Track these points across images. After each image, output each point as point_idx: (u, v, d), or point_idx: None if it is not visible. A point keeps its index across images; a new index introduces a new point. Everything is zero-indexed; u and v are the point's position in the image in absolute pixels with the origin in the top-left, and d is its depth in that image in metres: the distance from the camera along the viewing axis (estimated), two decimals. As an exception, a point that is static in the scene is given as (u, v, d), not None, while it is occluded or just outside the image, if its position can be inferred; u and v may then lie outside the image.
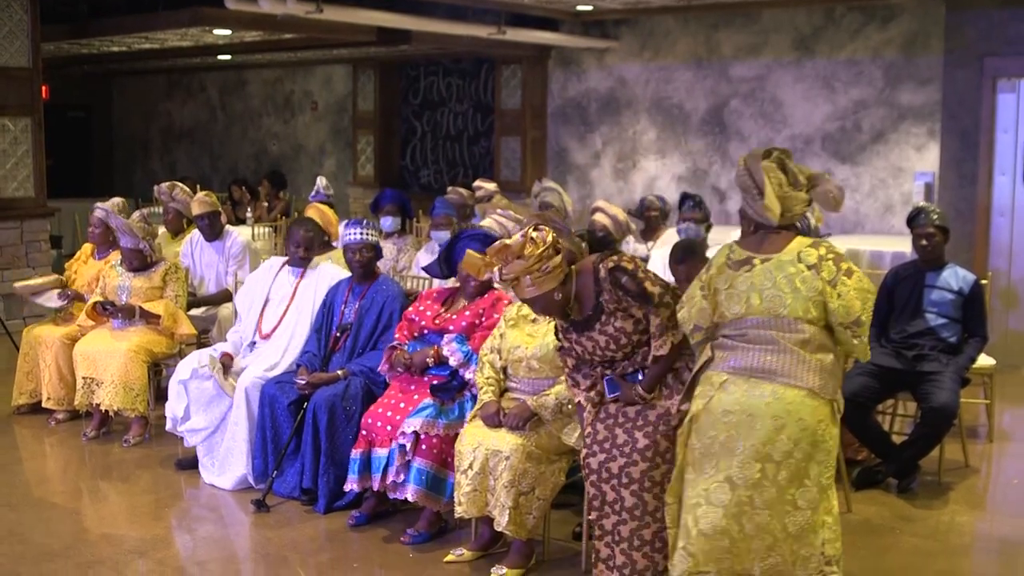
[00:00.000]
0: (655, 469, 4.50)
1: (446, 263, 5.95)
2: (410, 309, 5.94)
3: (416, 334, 5.82)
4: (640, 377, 4.65)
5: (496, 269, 4.59)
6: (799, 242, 4.31)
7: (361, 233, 6.18)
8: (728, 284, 4.27)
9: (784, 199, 4.28)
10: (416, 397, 5.58)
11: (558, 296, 4.58)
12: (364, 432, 5.59)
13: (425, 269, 6.17)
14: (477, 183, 10.16)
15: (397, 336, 5.86)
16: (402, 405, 5.57)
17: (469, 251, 4.80)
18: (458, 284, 5.92)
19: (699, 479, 4.22)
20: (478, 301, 5.76)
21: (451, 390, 5.53)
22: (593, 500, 4.62)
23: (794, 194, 4.30)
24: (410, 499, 5.38)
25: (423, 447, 5.36)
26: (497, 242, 4.68)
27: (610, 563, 4.59)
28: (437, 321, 5.75)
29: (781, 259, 4.25)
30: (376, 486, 5.52)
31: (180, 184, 8.66)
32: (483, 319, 5.68)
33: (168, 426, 6.51)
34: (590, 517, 4.68)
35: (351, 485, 5.59)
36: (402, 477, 5.41)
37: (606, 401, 4.76)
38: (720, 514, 4.15)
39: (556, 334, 4.89)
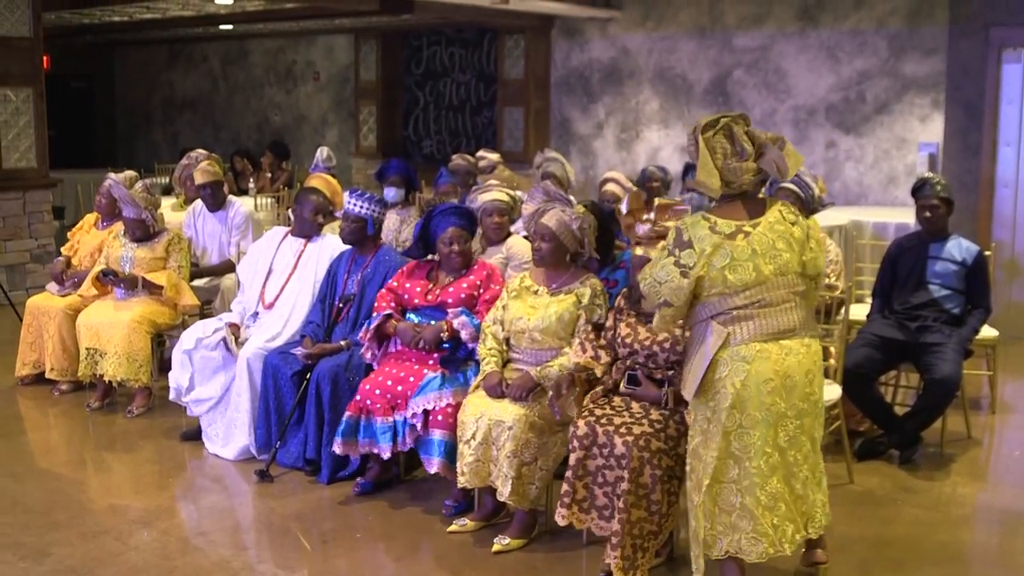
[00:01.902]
0: (665, 455, 4.58)
1: (422, 241, 5.90)
2: (392, 281, 5.91)
3: (408, 307, 5.79)
4: (667, 386, 4.80)
5: (646, 219, 4.77)
6: (772, 202, 4.36)
7: (350, 203, 6.18)
8: (729, 258, 4.18)
9: (728, 170, 4.24)
10: (416, 368, 5.58)
11: None
12: (359, 398, 5.57)
13: (405, 254, 6.14)
14: (480, 153, 10.15)
15: (384, 305, 5.79)
16: (402, 375, 5.56)
17: (637, 193, 4.94)
18: (438, 258, 5.88)
19: (746, 458, 4.22)
20: (470, 274, 5.75)
21: (458, 361, 5.54)
22: (584, 438, 4.65)
23: (739, 164, 4.24)
24: (436, 471, 5.37)
25: (439, 418, 5.35)
26: (666, 199, 4.88)
27: (586, 504, 4.66)
28: (430, 297, 5.73)
29: (769, 220, 4.26)
30: (385, 454, 5.50)
31: (214, 154, 8.57)
32: (481, 291, 5.68)
33: (172, 396, 6.52)
34: (577, 455, 4.67)
35: (336, 448, 5.57)
36: (409, 442, 5.43)
37: (621, 392, 4.87)
38: (775, 481, 4.23)
39: (593, 312, 5.12)
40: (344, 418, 5.58)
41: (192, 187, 8.53)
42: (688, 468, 4.42)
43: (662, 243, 4.31)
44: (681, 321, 4.44)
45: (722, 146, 4.24)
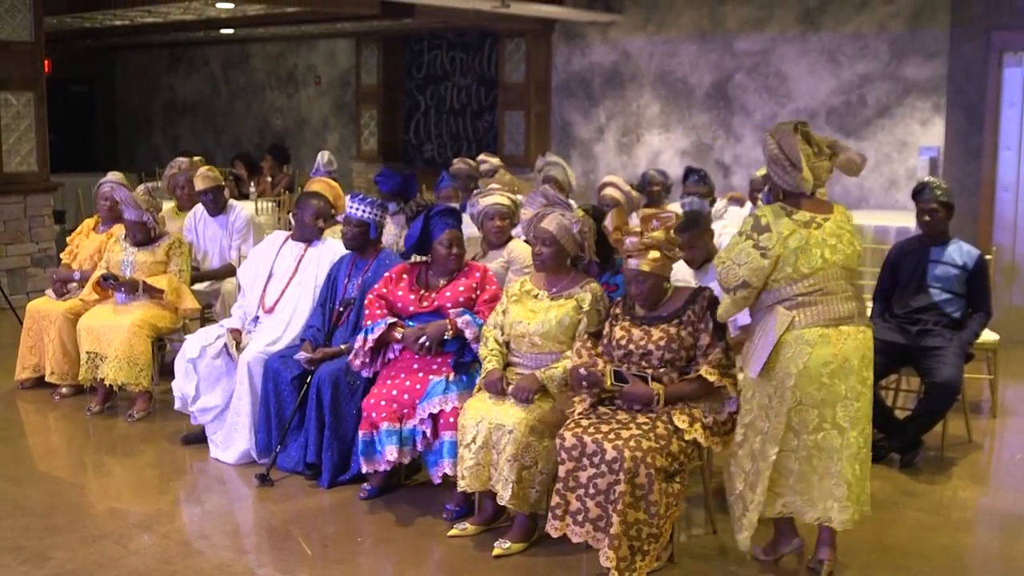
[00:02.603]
0: (658, 453, 4.57)
1: (420, 240, 5.83)
2: (380, 287, 5.87)
3: (402, 316, 5.77)
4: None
5: (635, 232, 4.90)
6: (837, 204, 4.86)
7: (353, 208, 6.18)
8: (803, 241, 4.61)
9: (812, 169, 4.63)
10: (421, 375, 5.57)
11: (665, 285, 4.96)
12: (366, 414, 5.54)
13: (404, 255, 6.12)
14: (481, 157, 10.15)
15: (378, 313, 5.75)
16: (407, 383, 5.55)
17: (620, 209, 5.03)
18: (429, 260, 5.86)
19: (804, 432, 4.64)
20: (465, 276, 5.75)
21: (467, 365, 5.54)
22: (572, 450, 4.64)
23: (819, 163, 4.71)
24: (448, 473, 5.36)
25: (451, 419, 5.34)
26: (653, 211, 5.03)
27: (580, 516, 4.63)
28: (424, 303, 5.72)
29: (837, 218, 4.76)
30: (393, 457, 5.45)
31: (197, 157, 8.56)
32: (478, 292, 5.67)
33: (177, 405, 6.51)
34: (567, 467, 4.66)
35: (363, 467, 5.56)
36: (420, 447, 5.42)
37: (609, 389, 4.87)
38: (836, 458, 4.62)
39: (596, 319, 5.16)
40: (360, 438, 5.54)
41: (184, 195, 8.52)
42: (739, 438, 4.79)
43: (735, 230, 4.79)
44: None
45: (804, 147, 4.64)
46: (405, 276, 5.87)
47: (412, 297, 5.75)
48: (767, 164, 4.78)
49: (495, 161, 10.06)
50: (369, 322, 5.75)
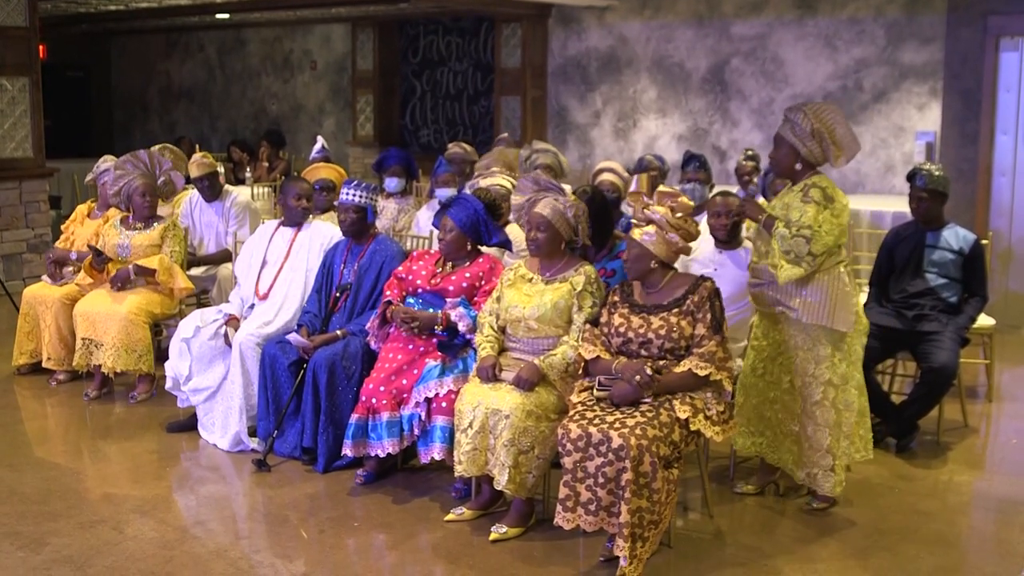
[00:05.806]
0: (661, 442, 4.56)
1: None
2: (400, 268, 5.93)
3: (409, 291, 5.81)
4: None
5: (646, 203, 5.02)
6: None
7: (348, 194, 6.17)
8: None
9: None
10: (414, 352, 5.60)
11: (653, 265, 4.95)
12: (364, 398, 5.58)
13: (435, 224, 6.15)
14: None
15: (389, 294, 5.84)
16: (404, 367, 5.57)
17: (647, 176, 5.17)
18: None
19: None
20: (473, 265, 5.76)
21: (456, 348, 5.54)
22: (578, 441, 4.60)
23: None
24: (436, 458, 5.38)
25: (443, 404, 5.37)
26: (667, 188, 5.16)
27: (592, 506, 4.59)
28: (433, 281, 5.74)
29: None
30: (394, 450, 5.51)
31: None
32: (482, 283, 5.67)
33: (168, 385, 6.52)
34: (574, 459, 4.61)
35: (347, 451, 5.58)
36: (417, 431, 5.44)
37: (597, 396, 4.82)
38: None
39: (597, 307, 5.16)
40: (352, 421, 5.58)
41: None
42: (831, 398, 5.22)
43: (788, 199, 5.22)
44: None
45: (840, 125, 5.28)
46: (428, 256, 5.94)
47: (425, 274, 5.80)
48: (801, 138, 5.15)
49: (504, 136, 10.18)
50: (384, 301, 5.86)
